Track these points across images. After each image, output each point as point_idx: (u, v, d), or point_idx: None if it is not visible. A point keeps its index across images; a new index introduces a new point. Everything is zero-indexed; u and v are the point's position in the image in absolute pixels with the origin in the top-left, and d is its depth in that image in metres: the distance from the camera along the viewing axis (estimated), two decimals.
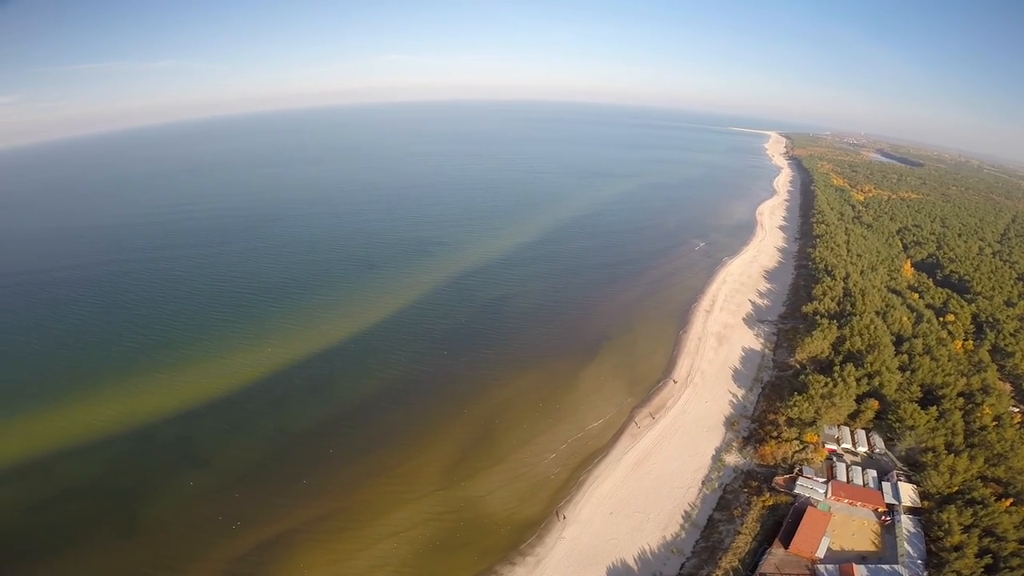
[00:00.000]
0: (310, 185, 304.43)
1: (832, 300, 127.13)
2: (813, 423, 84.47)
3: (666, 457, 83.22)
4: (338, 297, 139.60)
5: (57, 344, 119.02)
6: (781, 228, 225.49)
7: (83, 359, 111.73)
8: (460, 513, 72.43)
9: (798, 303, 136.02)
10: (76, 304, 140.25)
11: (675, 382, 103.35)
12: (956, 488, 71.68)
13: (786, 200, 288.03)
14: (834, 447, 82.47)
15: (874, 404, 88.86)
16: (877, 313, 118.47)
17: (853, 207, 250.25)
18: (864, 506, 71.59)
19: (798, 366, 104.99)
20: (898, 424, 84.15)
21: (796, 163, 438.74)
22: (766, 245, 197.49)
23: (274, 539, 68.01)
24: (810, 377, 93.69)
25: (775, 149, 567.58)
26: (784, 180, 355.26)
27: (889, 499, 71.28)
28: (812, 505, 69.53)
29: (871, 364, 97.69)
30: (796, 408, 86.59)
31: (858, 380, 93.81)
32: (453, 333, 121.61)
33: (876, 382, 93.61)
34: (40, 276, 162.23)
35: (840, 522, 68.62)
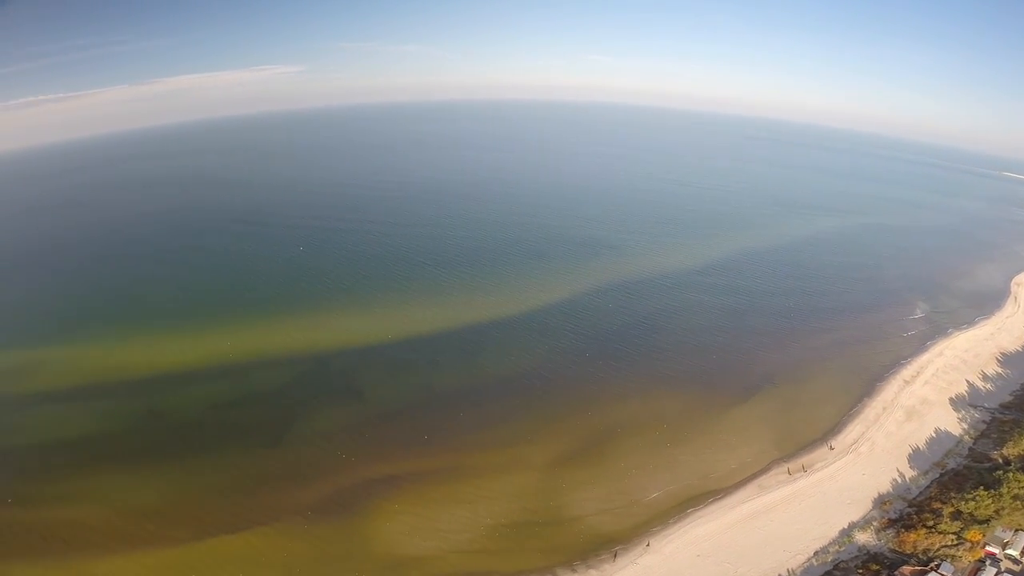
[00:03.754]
0: (499, 171, 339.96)
1: None
2: (987, 522, 70.28)
3: (788, 518, 75.25)
4: (501, 277, 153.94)
5: (283, 273, 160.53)
6: None
7: (300, 289, 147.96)
8: (546, 503, 75.14)
9: None
10: (313, 244, 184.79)
11: (832, 448, 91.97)
12: None
13: None
14: (995, 550, 67.20)
15: None
16: None
17: None
18: None
19: (1000, 460, 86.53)
20: None
21: None
22: (1015, 323, 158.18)
23: (380, 478, 79.58)
24: (1010, 474, 77.16)
25: None
26: None
27: None
28: None
29: None
30: (975, 503, 71.86)
31: None
32: (601, 337, 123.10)
33: None
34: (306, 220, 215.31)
35: None
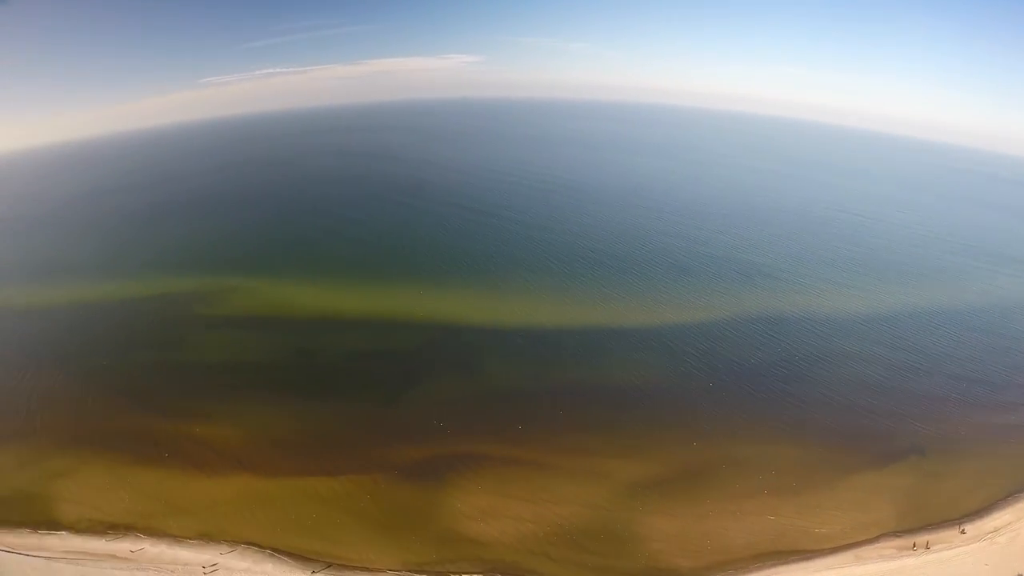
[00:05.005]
0: (656, 178, 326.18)
1: None
2: None
3: None
4: (637, 285, 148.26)
5: (429, 247, 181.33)
6: None
7: (442, 264, 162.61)
8: (617, 522, 72.31)
9: None
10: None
11: (963, 532, 77.08)
12: None
13: None
14: None
15: None
16: None
17: None
18: None
19: None
20: None
21: None
22: None
23: (465, 456, 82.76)
24: None
25: None
26: None
27: None
28: None
29: None
30: None
31: None
32: (731, 370, 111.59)
33: None
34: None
35: None
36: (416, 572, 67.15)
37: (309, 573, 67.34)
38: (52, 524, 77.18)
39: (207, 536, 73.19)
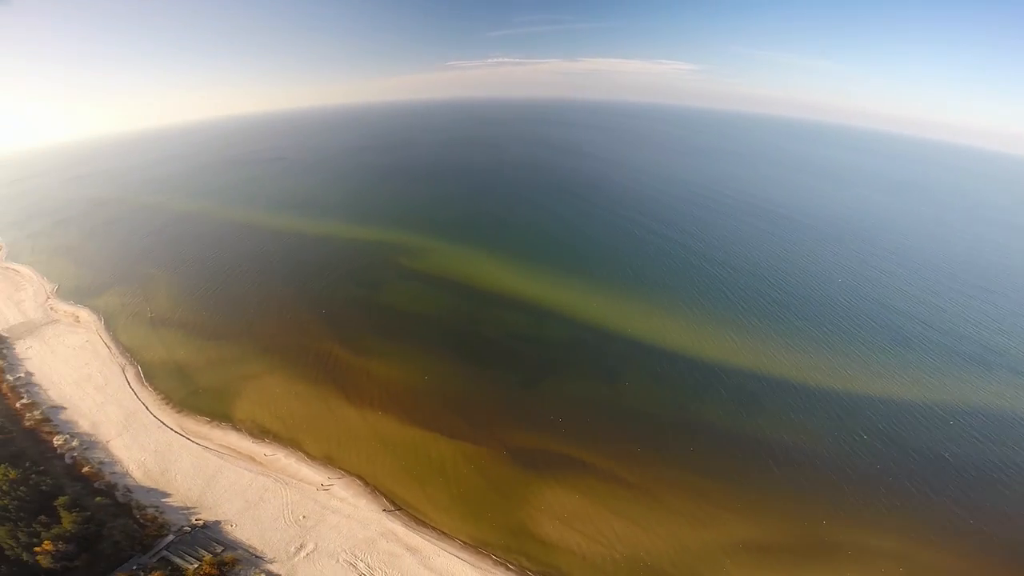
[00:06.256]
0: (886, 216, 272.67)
1: None
2: None
3: None
4: (829, 342, 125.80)
5: (597, 249, 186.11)
6: None
7: (607, 267, 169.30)
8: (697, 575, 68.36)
9: None
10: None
11: None
12: None
13: None
14: None
15: None
16: None
17: None
18: None
19: None
20: None
21: None
22: None
23: (577, 460, 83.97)
24: None
25: None
26: None
27: None
28: None
29: None
30: None
31: None
32: (911, 459, 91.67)
33: None
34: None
35: None
36: (480, 548, 71.77)
37: (380, 510, 77.94)
38: (223, 418, 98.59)
39: (330, 461, 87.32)
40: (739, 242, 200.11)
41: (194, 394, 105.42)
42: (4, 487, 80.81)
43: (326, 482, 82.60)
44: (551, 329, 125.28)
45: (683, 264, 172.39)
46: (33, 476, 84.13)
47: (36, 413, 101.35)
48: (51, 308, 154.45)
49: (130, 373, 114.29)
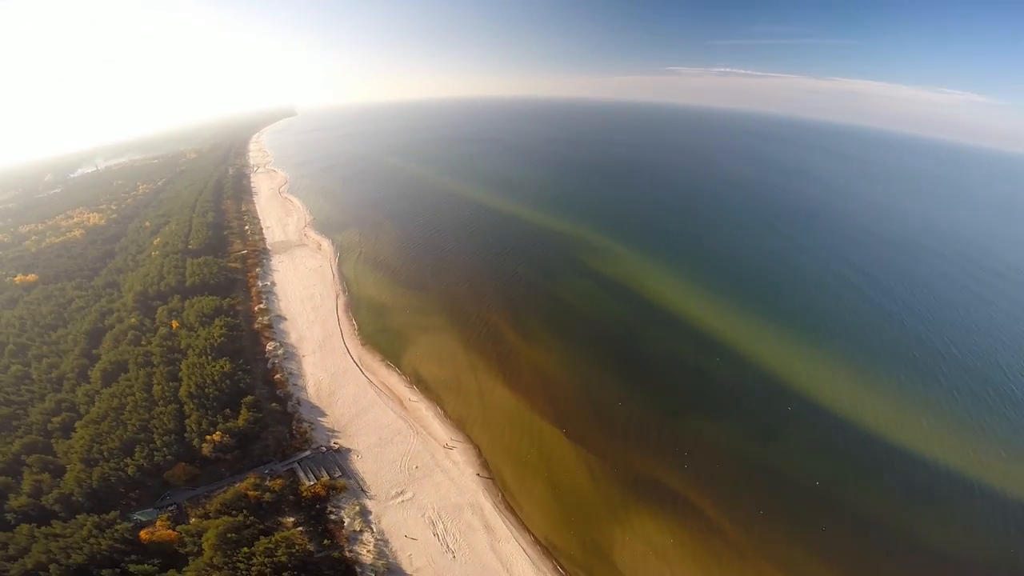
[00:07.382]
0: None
1: None
2: None
3: None
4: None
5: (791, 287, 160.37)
6: None
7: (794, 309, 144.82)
8: None
9: None
10: None
11: None
12: None
13: None
14: None
15: None
16: None
17: None
18: None
19: None
20: None
21: None
22: None
23: (681, 497, 77.20)
24: None
25: None
26: None
27: None
28: None
29: None
30: None
31: None
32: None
33: None
34: None
35: None
36: (549, 549, 69.45)
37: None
38: (393, 358, 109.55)
39: (460, 423, 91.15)
40: (987, 333, 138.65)
41: (379, 331, 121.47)
42: (216, 378, 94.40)
43: (449, 443, 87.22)
44: (716, 365, 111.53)
45: (902, 333, 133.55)
46: (239, 373, 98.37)
47: (265, 319, 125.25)
48: (305, 234, 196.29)
49: (341, 301, 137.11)
